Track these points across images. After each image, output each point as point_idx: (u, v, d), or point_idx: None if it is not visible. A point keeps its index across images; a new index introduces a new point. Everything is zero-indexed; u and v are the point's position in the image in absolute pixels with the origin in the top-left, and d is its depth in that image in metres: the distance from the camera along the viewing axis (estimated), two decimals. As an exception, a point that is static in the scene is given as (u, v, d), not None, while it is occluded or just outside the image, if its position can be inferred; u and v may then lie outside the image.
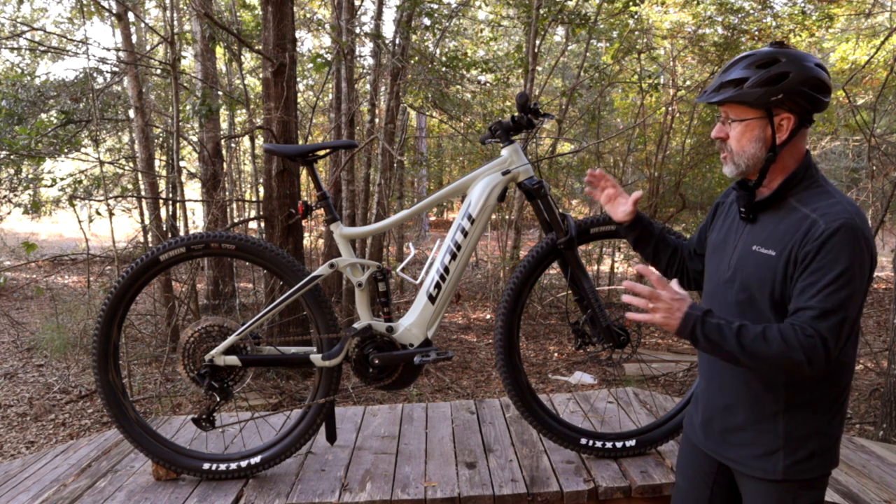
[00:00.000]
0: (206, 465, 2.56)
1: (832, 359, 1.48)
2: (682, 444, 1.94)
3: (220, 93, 8.58)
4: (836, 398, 1.63)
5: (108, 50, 10.27)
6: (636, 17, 8.88)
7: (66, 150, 7.48)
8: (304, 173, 6.73)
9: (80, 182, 8.48)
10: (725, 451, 1.72)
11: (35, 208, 8.85)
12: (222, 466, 2.56)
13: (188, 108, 7.75)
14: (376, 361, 2.49)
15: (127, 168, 8.54)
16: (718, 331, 1.50)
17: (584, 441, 2.63)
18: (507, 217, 9.41)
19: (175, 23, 7.71)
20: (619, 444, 2.64)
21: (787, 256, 1.54)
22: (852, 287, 1.48)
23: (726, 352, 1.51)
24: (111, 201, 6.29)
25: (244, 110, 9.25)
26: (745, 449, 1.67)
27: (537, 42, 7.65)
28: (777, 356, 1.47)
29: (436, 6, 8.16)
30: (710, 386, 1.75)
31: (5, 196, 8.98)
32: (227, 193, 9.36)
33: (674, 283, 1.57)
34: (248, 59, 11.92)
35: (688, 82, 10.47)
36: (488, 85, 9.67)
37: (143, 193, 7.53)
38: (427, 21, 8.47)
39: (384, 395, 5.39)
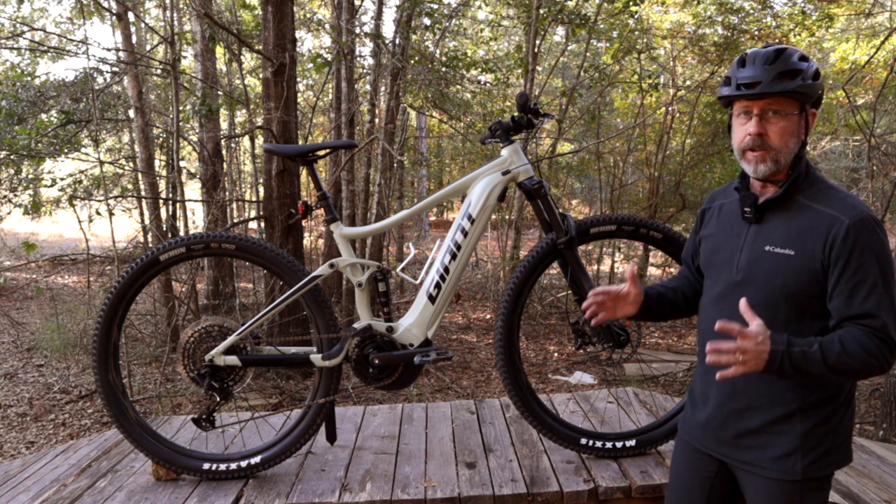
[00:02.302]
0: (206, 465, 2.56)
1: None
2: (676, 446, 1.91)
3: (220, 93, 8.57)
4: (848, 394, 1.64)
5: (108, 50, 10.29)
6: (636, 17, 8.88)
7: (66, 150, 7.48)
8: (304, 173, 6.73)
9: (80, 182, 8.48)
10: (739, 454, 1.69)
11: (35, 208, 8.85)
12: (222, 466, 2.56)
13: (188, 108, 7.74)
14: (376, 361, 2.49)
15: (127, 168, 8.53)
16: (804, 359, 1.48)
17: (584, 441, 2.63)
18: (507, 217, 9.41)
19: (175, 23, 7.71)
20: (619, 444, 2.64)
21: (812, 255, 1.54)
22: (892, 277, 1.52)
23: (813, 374, 1.50)
24: (111, 201, 6.29)
25: (244, 110, 9.25)
26: (761, 451, 1.64)
27: (537, 42, 7.64)
28: (861, 367, 1.48)
29: (436, 6, 8.16)
30: (721, 391, 1.70)
31: (5, 196, 8.97)
32: (227, 193, 9.36)
33: (754, 326, 1.49)
34: (248, 59, 11.91)
35: (688, 82, 10.47)
36: (488, 85, 9.67)
37: (143, 193, 7.53)
38: (427, 21, 8.47)
39: (384, 395, 5.39)
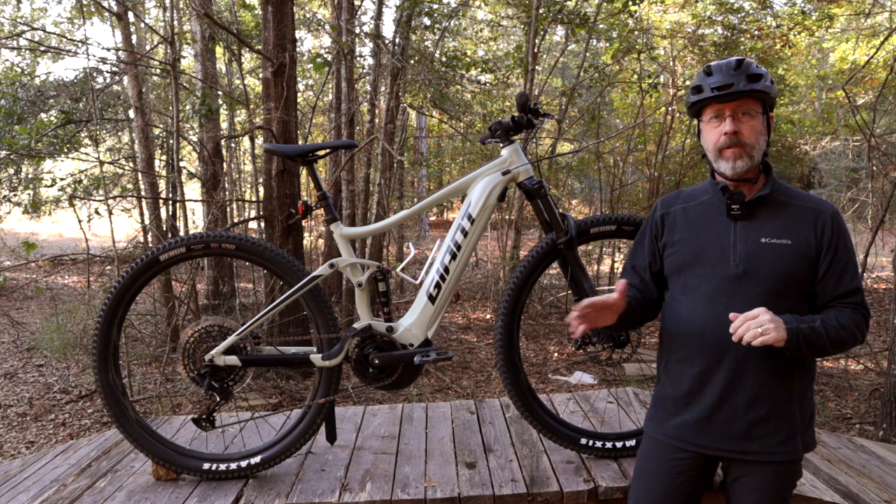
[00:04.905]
0: (206, 465, 2.56)
1: None
2: (647, 449, 1.95)
3: (220, 93, 8.58)
4: (815, 371, 1.85)
5: (108, 50, 10.28)
6: (635, 16, 8.88)
7: (66, 150, 7.48)
8: (304, 173, 6.73)
9: (80, 182, 8.48)
10: (748, 445, 1.76)
11: (35, 208, 8.86)
12: (222, 466, 2.56)
13: (188, 108, 7.75)
14: (376, 361, 2.49)
15: (127, 168, 8.54)
16: (813, 333, 1.64)
17: (584, 441, 2.63)
18: (507, 217, 9.41)
19: (175, 23, 7.71)
20: (619, 444, 2.64)
21: (807, 243, 1.72)
22: (857, 259, 1.76)
23: (819, 348, 1.66)
24: (111, 201, 6.30)
25: (244, 110, 9.26)
26: (769, 438, 1.74)
27: (537, 42, 7.64)
28: (849, 338, 1.69)
29: (436, 6, 8.16)
30: (725, 389, 1.75)
31: (5, 196, 8.98)
32: (227, 193, 9.35)
33: (755, 310, 1.62)
34: (248, 59, 11.91)
35: (687, 82, 10.47)
36: (488, 85, 9.67)
37: (143, 193, 7.53)
38: (427, 21, 8.48)
39: (384, 395, 5.39)
